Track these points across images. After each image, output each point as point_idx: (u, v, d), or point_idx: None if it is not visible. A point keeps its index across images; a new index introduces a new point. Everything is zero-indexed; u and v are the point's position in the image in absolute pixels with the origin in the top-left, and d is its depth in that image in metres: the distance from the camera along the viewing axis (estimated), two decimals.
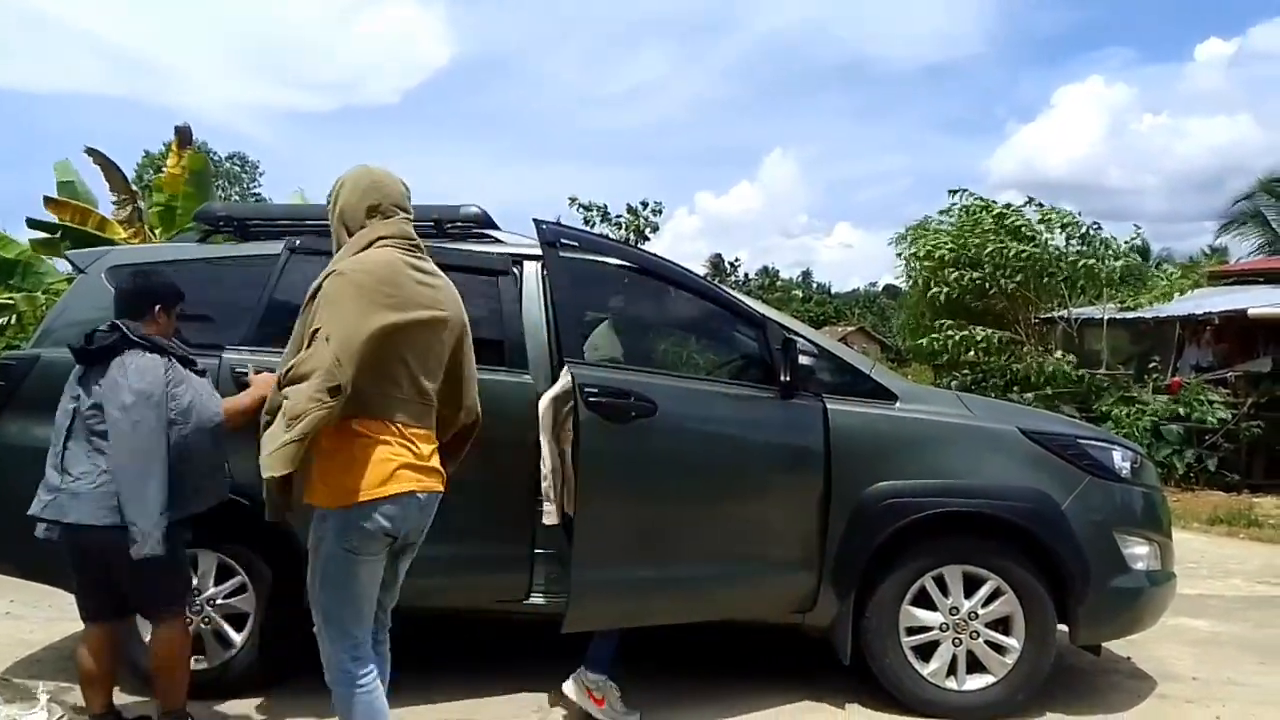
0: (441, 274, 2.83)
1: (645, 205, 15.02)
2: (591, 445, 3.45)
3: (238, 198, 27.08)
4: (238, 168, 51.49)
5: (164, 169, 13.01)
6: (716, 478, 3.73)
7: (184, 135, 12.72)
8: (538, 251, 3.95)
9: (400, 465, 2.59)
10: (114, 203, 11.71)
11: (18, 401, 3.92)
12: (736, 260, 58.91)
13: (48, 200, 11.42)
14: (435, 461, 2.71)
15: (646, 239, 15.27)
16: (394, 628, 2.93)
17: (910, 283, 14.91)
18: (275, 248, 4.05)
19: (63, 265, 10.65)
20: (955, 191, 14.29)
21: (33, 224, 11.41)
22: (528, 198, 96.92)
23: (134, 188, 11.79)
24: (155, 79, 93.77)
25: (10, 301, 10.80)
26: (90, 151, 11.63)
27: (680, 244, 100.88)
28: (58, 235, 11.12)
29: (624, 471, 3.54)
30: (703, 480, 3.70)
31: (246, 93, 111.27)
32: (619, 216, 14.88)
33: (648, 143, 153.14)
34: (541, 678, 3.98)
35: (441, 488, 2.74)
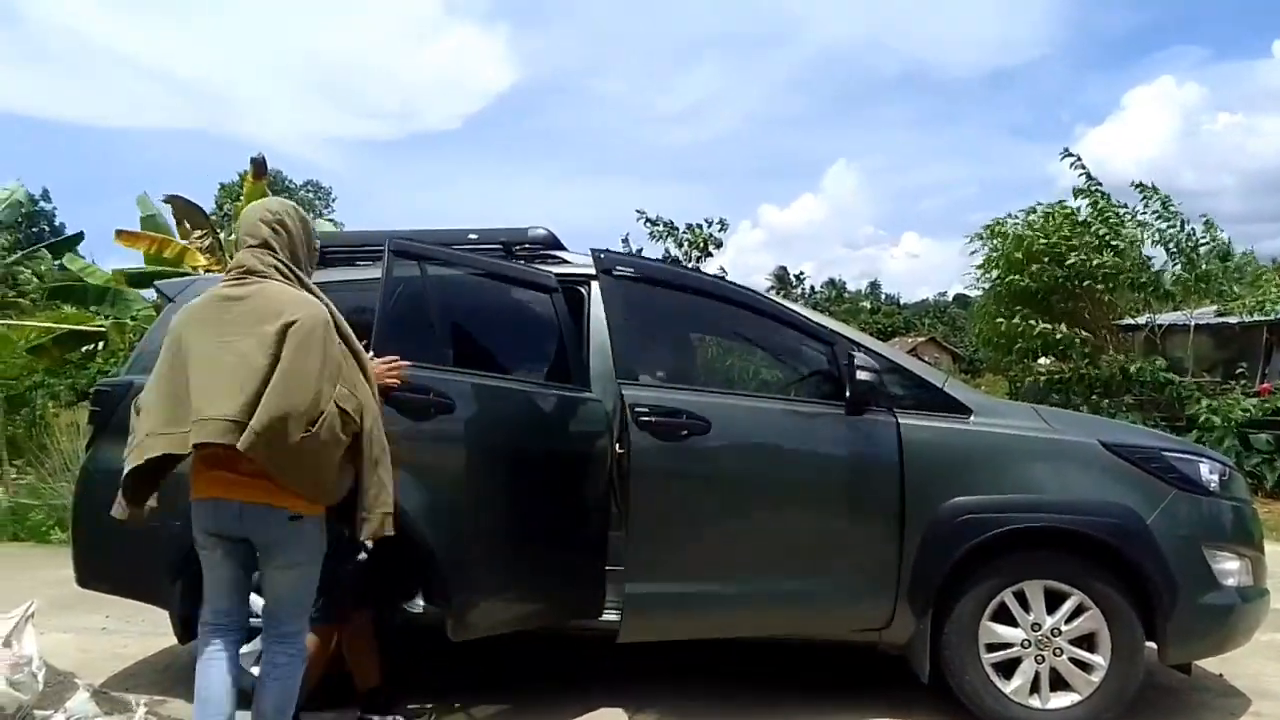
0: (253, 295, 2.82)
1: (709, 223, 14.98)
2: (643, 462, 3.54)
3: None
4: (311, 195, 53.07)
5: (241, 198, 13.45)
6: (776, 494, 3.78)
7: (259, 166, 13.07)
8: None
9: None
10: (197, 238, 12.09)
11: (113, 427, 4.09)
12: (802, 273, 58.69)
13: (119, 233, 11.82)
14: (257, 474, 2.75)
15: (710, 255, 15.22)
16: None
17: (988, 275, 14.54)
18: (354, 274, 4.19)
19: (148, 293, 11.06)
20: (1064, 155, 13.80)
21: (120, 275, 11.77)
22: (593, 215, 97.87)
23: (210, 222, 12.11)
24: (227, 111, 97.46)
25: (102, 329, 11.26)
26: (170, 199, 11.98)
27: (744, 257, 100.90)
28: (142, 278, 11.54)
29: (675, 487, 3.64)
30: (762, 497, 3.76)
31: (316, 122, 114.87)
32: (684, 233, 14.86)
33: (709, 157, 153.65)
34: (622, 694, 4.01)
35: (259, 499, 2.79)
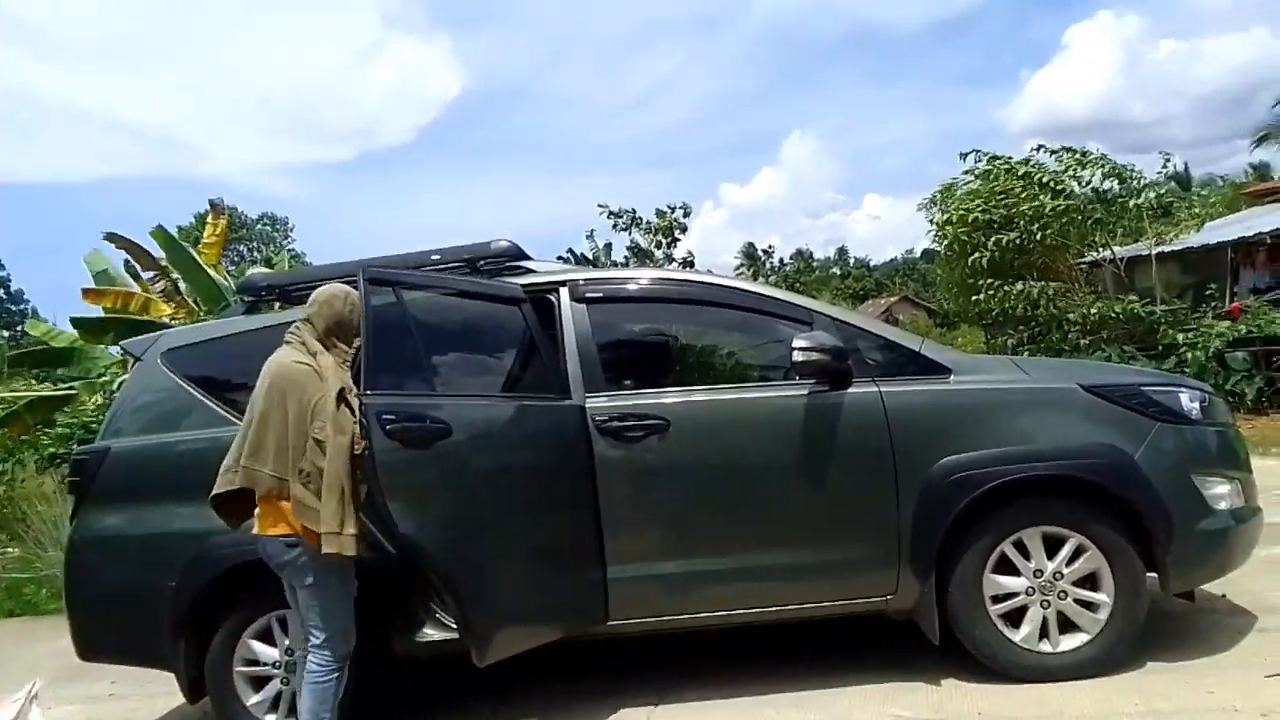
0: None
1: (672, 208, 14.99)
2: (608, 469, 3.80)
3: (264, 260, 27.58)
4: (268, 228, 52.55)
5: (200, 241, 13.32)
6: (760, 477, 3.87)
7: (218, 208, 13.24)
8: (571, 276, 4.22)
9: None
10: (150, 278, 11.97)
11: (95, 495, 4.06)
12: (770, 247, 58.58)
13: (86, 292, 11.69)
14: (260, 511, 3.37)
15: (677, 240, 15.23)
16: None
17: (945, 246, 14.63)
18: None
19: (115, 349, 10.94)
20: (966, 154, 14.03)
21: (77, 323, 11.68)
22: (558, 215, 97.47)
23: (158, 262, 11.95)
24: (181, 154, 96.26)
25: (72, 390, 11.12)
26: (111, 237, 11.83)
27: (710, 238, 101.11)
28: (103, 325, 11.40)
29: (637, 480, 3.84)
30: (753, 482, 3.85)
31: (269, 153, 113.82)
32: (649, 221, 14.87)
33: (667, 144, 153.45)
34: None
35: (264, 531, 3.34)
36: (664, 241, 15.14)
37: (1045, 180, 12.93)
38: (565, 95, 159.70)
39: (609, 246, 15.66)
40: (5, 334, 18.64)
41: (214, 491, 3.41)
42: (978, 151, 13.91)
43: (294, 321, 4.17)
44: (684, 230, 15.28)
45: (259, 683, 3.93)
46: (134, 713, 4.78)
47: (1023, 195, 12.85)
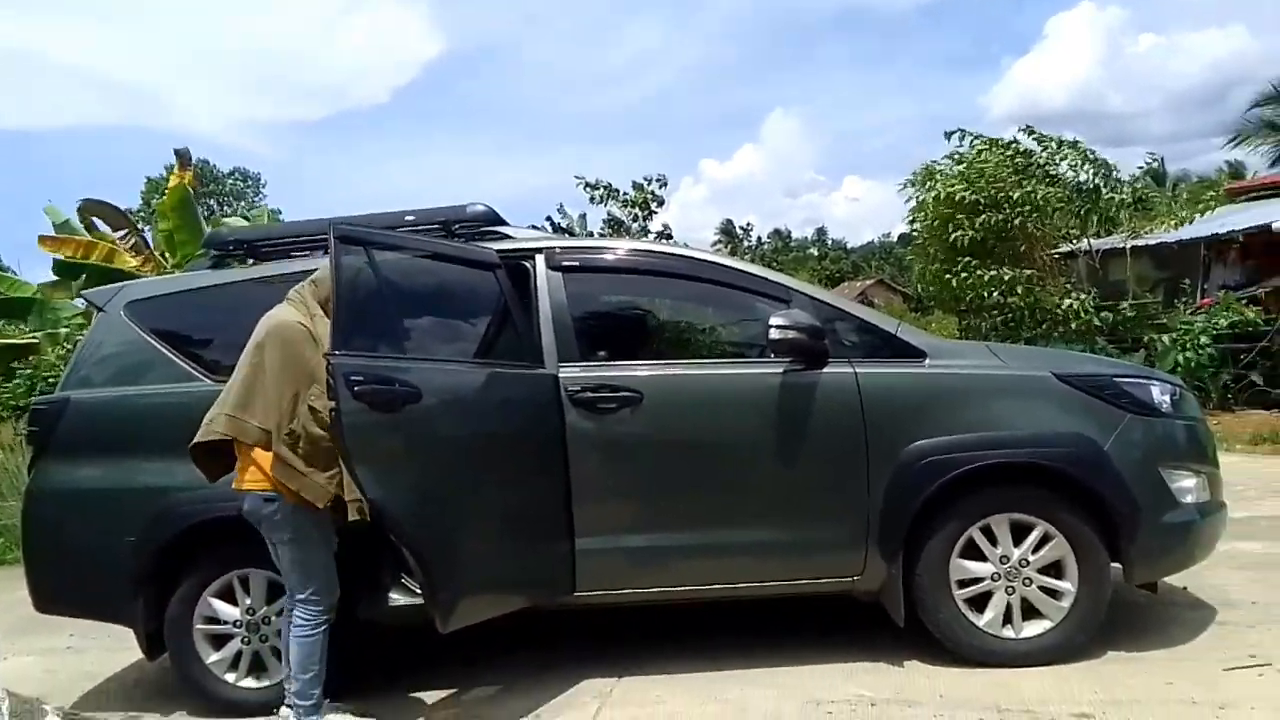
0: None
1: (650, 180, 14.85)
2: (579, 437, 3.77)
3: (243, 214, 27.23)
4: (240, 183, 51.70)
5: (166, 192, 13.08)
6: (732, 453, 3.87)
7: (184, 158, 12.93)
8: (547, 244, 4.18)
9: None
10: (119, 236, 11.77)
11: (54, 446, 3.97)
12: (748, 225, 58.64)
13: (43, 239, 11.44)
14: (240, 465, 3.45)
15: (654, 213, 15.11)
16: None
17: (925, 226, 14.60)
18: (291, 266, 4.07)
19: (78, 300, 10.76)
20: (951, 134, 13.95)
21: (58, 267, 11.46)
22: (535, 184, 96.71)
23: (130, 219, 11.79)
24: (151, 105, 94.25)
25: (34, 340, 10.93)
26: (84, 209, 11.63)
27: (689, 214, 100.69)
28: (73, 274, 11.20)
29: (608, 452, 3.82)
30: (712, 457, 3.86)
31: (241, 109, 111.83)
32: (626, 194, 14.72)
33: (648, 116, 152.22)
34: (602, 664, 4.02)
35: (242, 485, 3.43)
36: (640, 214, 15.03)
37: (1038, 167, 12.90)
38: (546, 61, 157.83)
39: (584, 217, 15.53)
40: None
41: (195, 440, 3.38)
42: (963, 131, 13.83)
43: (264, 276, 4.11)
44: (661, 204, 15.14)
45: (219, 641, 3.89)
46: (92, 667, 4.72)
47: (1013, 181, 12.83)
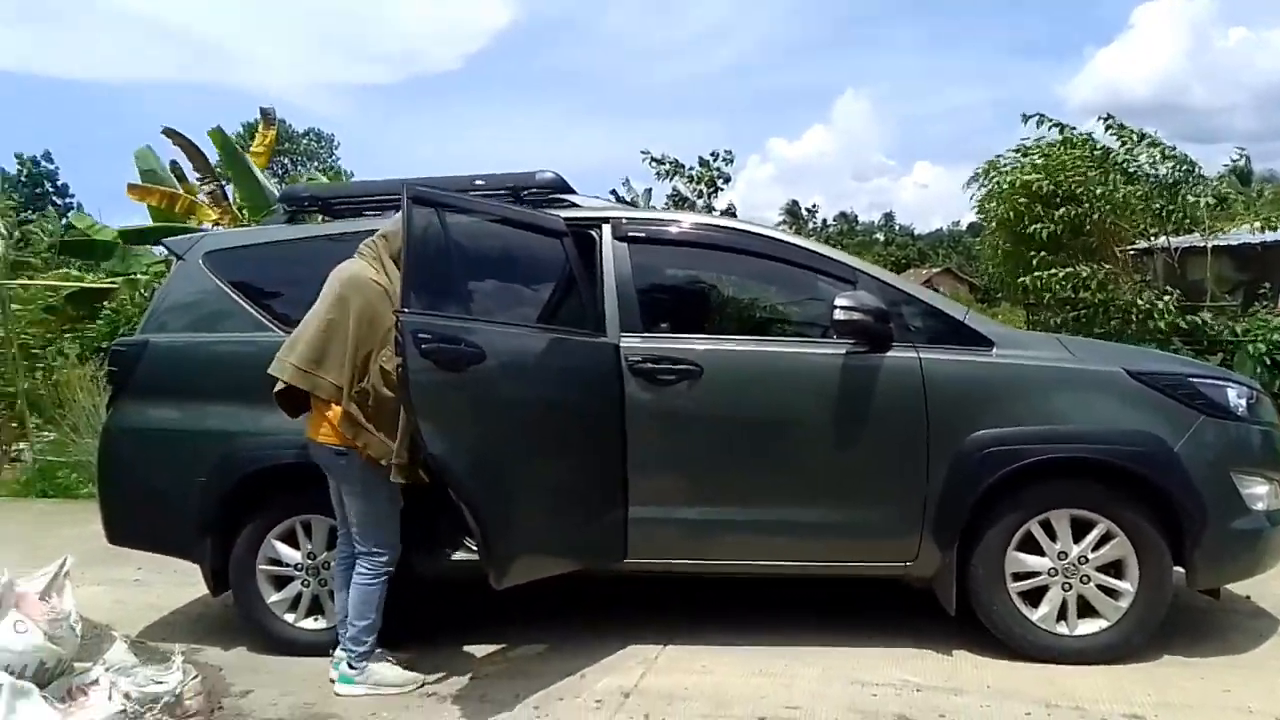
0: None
1: (716, 156, 14.73)
2: (637, 399, 3.80)
3: (319, 173, 27.95)
4: (314, 143, 52.60)
5: (249, 149, 13.33)
6: (789, 432, 3.87)
7: (269, 117, 13.28)
8: (614, 214, 4.19)
9: None
10: (198, 180, 12.02)
11: (131, 387, 4.11)
12: (814, 206, 58.00)
13: (132, 187, 11.72)
14: (312, 417, 3.57)
15: (719, 190, 15.00)
16: None
17: (998, 217, 14.22)
18: (363, 224, 4.13)
19: (158, 249, 11.04)
20: (1029, 117, 13.43)
21: (124, 234, 11.77)
22: (601, 155, 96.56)
23: (215, 169, 12.02)
24: (228, 63, 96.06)
25: (114, 284, 11.26)
26: (168, 133, 11.84)
27: (755, 192, 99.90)
28: (145, 234, 11.51)
29: (666, 423, 3.84)
30: (769, 434, 3.86)
31: (317, 70, 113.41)
32: (691, 169, 14.63)
33: (716, 90, 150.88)
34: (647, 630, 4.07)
35: (314, 436, 3.55)
36: (706, 191, 14.92)
37: (1115, 164, 12.46)
38: (616, 33, 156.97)
39: (649, 192, 15.47)
40: (49, 227, 18.83)
41: (275, 389, 3.52)
42: (1042, 115, 13.35)
43: (337, 233, 4.18)
44: (727, 180, 15.00)
45: (281, 582, 4.02)
46: (158, 600, 4.91)
47: (1094, 176, 12.43)
